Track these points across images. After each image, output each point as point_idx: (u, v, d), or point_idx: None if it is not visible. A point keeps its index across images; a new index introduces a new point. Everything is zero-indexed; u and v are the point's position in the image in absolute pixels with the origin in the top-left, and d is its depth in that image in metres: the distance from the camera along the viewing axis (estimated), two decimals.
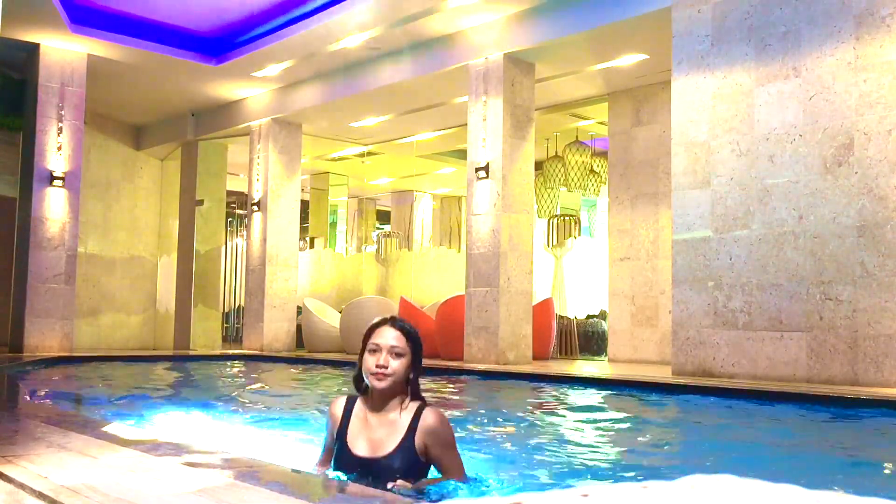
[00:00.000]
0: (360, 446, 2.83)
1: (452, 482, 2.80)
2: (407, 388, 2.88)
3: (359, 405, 2.92)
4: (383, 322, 2.93)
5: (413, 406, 2.87)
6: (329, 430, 2.96)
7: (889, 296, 6.46)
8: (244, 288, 13.92)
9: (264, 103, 13.10)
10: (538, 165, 12.97)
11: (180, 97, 13.29)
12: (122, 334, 14.60)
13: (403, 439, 2.79)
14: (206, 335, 14.53)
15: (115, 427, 3.57)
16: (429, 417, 2.82)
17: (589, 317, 12.68)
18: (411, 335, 2.91)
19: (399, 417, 2.84)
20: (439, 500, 2.70)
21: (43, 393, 6.82)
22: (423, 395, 2.97)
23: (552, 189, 14.08)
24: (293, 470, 2.92)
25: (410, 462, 2.78)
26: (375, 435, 2.84)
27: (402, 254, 15.99)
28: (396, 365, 2.83)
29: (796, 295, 6.94)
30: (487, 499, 2.64)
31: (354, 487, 2.55)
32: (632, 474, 3.72)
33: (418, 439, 2.79)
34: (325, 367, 10.74)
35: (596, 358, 11.52)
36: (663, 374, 7.81)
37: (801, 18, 7.05)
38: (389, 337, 2.87)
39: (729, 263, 7.39)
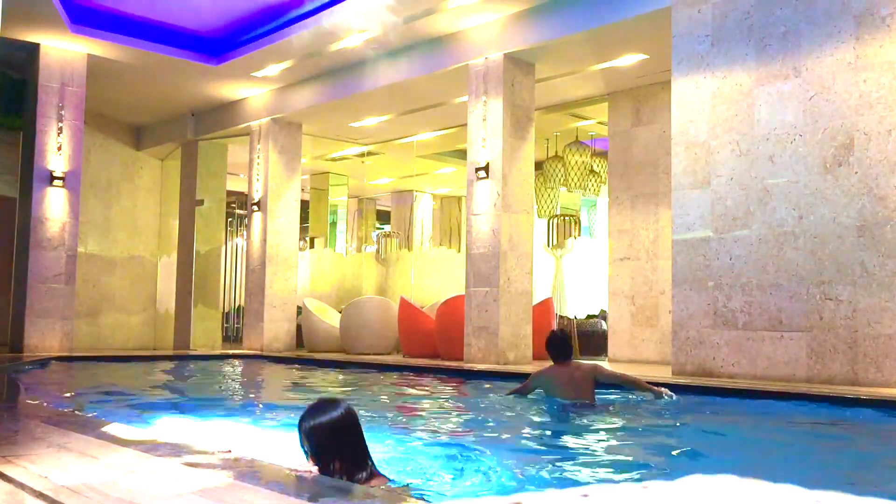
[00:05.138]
0: None
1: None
2: (347, 476, 2.77)
3: None
4: None
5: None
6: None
7: (889, 296, 6.46)
8: (244, 288, 13.92)
9: (264, 103, 13.10)
10: (538, 165, 12.96)
11: (180, 97, 13.29)
12: (122, 334, 14.59)
13: None
14: (206, 335, 14.53)
15: (115, 427, 3.57)
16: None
17: (589, 317, 12.68)
18: (303, 432, 2.83)
19: None
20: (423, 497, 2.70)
21: (43, 393, 6.82)
22: (370, 470, 2.82)
23: (552, 189, 14.08)
24: (293, 470, 2.92)
25: None
26: None
27: (402, 254, 15.98)
28: (312, 465, 2.81)
29: (796, 295, 6.94)
30: (488, 499, 2.64)
31: (354, 488, 2.55)
32: (632, 474, 3.72)
33: None
34: (326, 367, 10.74)
35: (596, 358, 11.51)
36: (663, 374, 7.80)
37: (801, 18, 7.05)
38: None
39: (729, 263, 7.39)
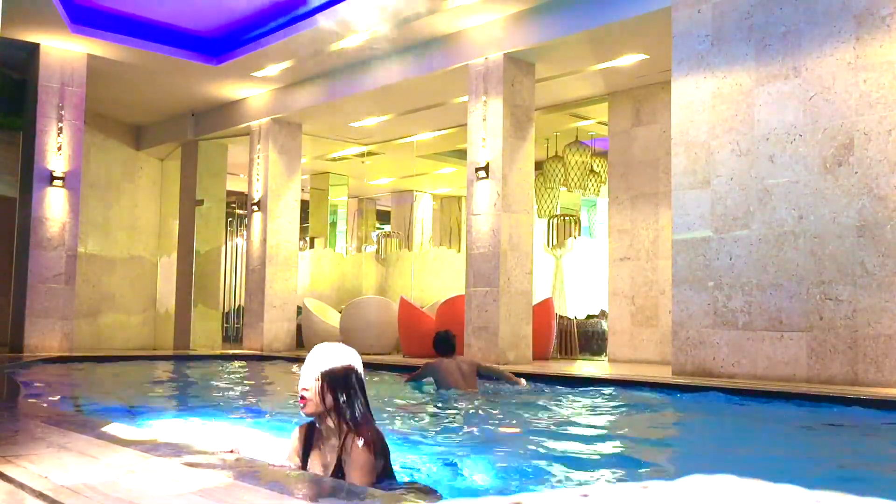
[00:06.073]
0: (316, 471, 2.94)
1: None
2: (336, 416, 2.92)
3: (318, 432, 3.01)
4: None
5: (345, 433, 2.91)
6: (290, 457, 3.04)
7: (889, 296, 6.46)
8: (244, 288, 13.92)
9: (264, 103, 13.10)
10: (538, 165, 12.95)
11: (180, 97, 13.29)
12: (122, 334, 14.59)
13: (336, 466, 2.88)
14: (206, 335, 14.53)
15: (115, 427, 3.57)
16: (350, 444, 2.86)
17: (589, 317, 12.67)
18: (321, 370, 2.94)
19: (336, 444, 2.92)
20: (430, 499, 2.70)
21: (43, 393, 6.82)
22: (365, 420, 2.94)
23: (552, 189, 14.07)
24: (293, 470, 2.92)
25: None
26: (325, 460, 2.96)
27: (402, 254, 15.98)
28: (308, 394, 2.92)
29: (796, 295, 6.94)
30: (487, 499, 2.64)
31: (354, 488, 2.55)
32: (632, 474, 3.72)
33: (345, 465, 2.86)
34: None
35: (596, 358, 11.51)
36: (663, 374, 7.80)
37: (801, 18, 7.05)
38: (302, 368, 2.99)
39: (729, 263, 7.39)
